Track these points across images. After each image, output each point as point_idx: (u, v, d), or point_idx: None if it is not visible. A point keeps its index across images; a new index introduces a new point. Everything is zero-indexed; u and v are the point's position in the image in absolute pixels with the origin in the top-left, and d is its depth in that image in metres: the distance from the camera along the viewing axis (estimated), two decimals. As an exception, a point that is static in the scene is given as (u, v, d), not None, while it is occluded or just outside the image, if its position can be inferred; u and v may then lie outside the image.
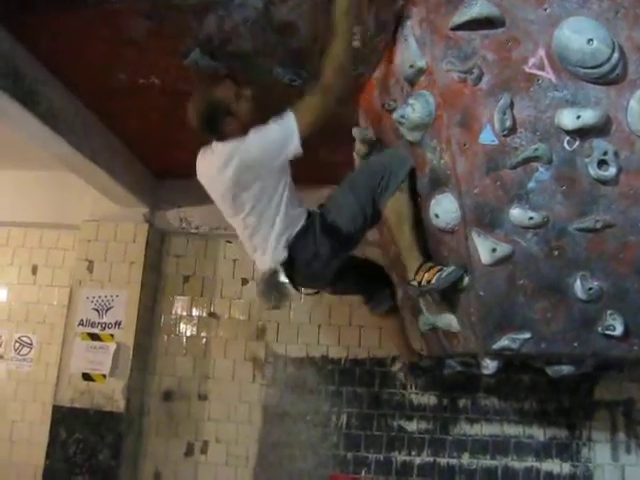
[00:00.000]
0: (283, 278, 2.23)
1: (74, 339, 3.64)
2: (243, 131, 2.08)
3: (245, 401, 3.70)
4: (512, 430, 3.56)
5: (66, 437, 3.47)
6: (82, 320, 3.63)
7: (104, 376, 3.54)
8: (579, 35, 1.86)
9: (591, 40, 1.85)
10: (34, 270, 4.00)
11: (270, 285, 2.24)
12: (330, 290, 2.73)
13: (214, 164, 2.14)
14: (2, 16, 2.11)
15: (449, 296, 2.33)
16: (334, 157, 3.13)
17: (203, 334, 3.83)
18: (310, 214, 2.27)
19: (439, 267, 2.18)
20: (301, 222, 2.22)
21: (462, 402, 3.58)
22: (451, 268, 2.15)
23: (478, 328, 2.23)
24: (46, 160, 3.16)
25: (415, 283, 2.22)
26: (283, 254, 2.20)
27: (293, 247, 2.21)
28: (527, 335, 2.21)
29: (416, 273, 2.21)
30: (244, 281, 3.87)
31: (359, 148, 2.67)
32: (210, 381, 3.76)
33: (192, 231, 3.81)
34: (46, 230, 4.00)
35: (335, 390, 3.67)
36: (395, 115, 2.13)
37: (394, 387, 3.63)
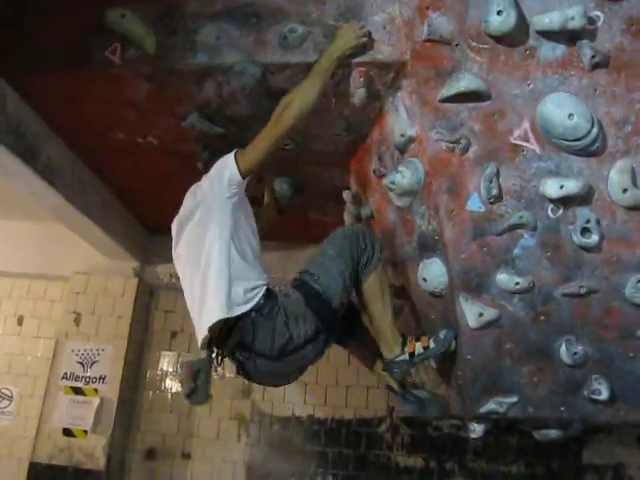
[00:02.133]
0: (206, 372, 1.93)
1: (57, 393, 3.57)
2: None
3: (229, 461, 3.63)
4: (500, 494, 3.51)
5: (41, 497, 3.35)
6: (66, 373, 3.58)
7: (85, 432, 3.46)
8: (560, 110, 1.97)
9: (572, 115, 1.95)
10: (20, 321, 3.97)
11: (192, 375, 1.91)
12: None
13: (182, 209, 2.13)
14: (10, 74, 2.19)
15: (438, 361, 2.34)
16: (324, 218, 3.18)
17: (189, 390, 3.75)
18: (272, 291, 1.96)
19: (427, 335, 2.16)
20: (257, 293, 1.90)
21: (449, 465, 3.53)
22: (444, 330, 2.14)
23: (465, 392, 2.24)
24: (37, 211, 3.19)
25: (405, 356, 2.09)
26: (232, 313, 1.84)
27: (249, 328, 1.86)
28: (514, 399, 2.22)
29: (403, 346, 2.10)
30: (232, 336, 3.80)
31: (350, 211, 2.73)
32: (194, 439, 3.70)
33: (181, 287, 3.79)
34: (34, 281, 3.99)
35: (321, 451, 3.62)
36: (385, 181, 2.20)
37: (380, 448, 3.60)
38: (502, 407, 2.21)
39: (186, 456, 3.65)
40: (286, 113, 1.91)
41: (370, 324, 2.21)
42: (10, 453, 3.70)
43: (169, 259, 3.69)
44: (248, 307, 1.87)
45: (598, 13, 1.97)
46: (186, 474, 3.64)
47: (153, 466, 3.67)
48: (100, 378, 3.55)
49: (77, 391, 3.56)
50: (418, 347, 2.10)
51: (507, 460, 3.52)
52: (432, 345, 2.10)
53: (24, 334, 3.94)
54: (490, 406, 2.21)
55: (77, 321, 3.66)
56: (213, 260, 1.91)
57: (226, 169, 1.96)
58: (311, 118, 2.23)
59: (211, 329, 1.90)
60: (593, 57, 1.97)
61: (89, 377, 3.57)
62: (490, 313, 2.11)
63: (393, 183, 2.16)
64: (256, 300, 1.89)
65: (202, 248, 1.94)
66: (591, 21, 1.97)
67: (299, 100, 1.92)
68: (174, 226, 2.16)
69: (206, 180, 2.04)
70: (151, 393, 3.79)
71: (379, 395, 3.63)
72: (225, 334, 1.89)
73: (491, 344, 2.16)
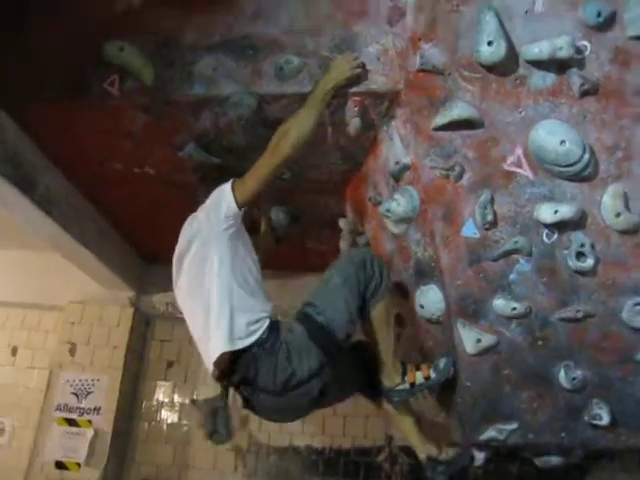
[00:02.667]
0: (231, 403, 1.88)
1: (50, 424, 3.53)
2: None
3: (226, 493, 3.56)
4: (501, 524, 3.45)
5: (33, 534, 3.28)
6: (60, 404, 3.54)
7: (79, 465, 3.40)
8: (553, 137, 2.00)
9: (564, 141, 1.99)
10: (14, 351, 3.92)
11: (211, 414, 1.85)
12: None
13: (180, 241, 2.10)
14: (8, 104, 2.21)
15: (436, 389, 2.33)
16: (320, 246, 3.19)
17: (185, 422, 3.74)
18: (276, 324, 1.91)
19: (426, 363, 2.15)
20: (261, 325, 1.86)
21: (450, 494, 3.47)
22: (443, 359, 2.13)
23: (465, 419, 2.23)
24: (32, 240, 3.20)
25: (406, 385, 2.09)
26: (234, 347, 1.81)
27: (251, 362, 1.83)
28: (514, 426, 2.21)
29: (404, 375, 2.10)
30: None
31: (346, 239, 2.74)
32: (190, 470, 3.63)
33: (178, 315, 3.77)
34: (29, 310, 3.96)
35: (319, 481, 3.56)
36: (381, 209, 2.22)
37: (379, 478, 3.55)
38: (502, 434, 2.19)
39: (182, 488, 3.59)
40: (283, 142, 1.92)
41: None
42: (3, 487, 3.64)
43: (165, 288, 3.76)
44: (251, 340, 1.83)
45: (585, 43, 2.02)
46: (182, 506, 3.57)
47: (148, 498, 3.60)
48: (95, 409, 3.50)
49: (71, 422, 3.52)
50: (419, 377, 2.09)
51: (508, 489, 3.48)
52: (433, 375, 2.09)
53: (18, 365, 3.90)
54: (490, 433, 2.20)
55: (72, 351, 3.62)
56: (214, 294, 1.88)
57: (223, 200, 1.94)
58: (307, 148, 2.26)
59: (216, 363, 1.86)
60: (582, 85, 2.01)
61: (83, 408, 3.52)
62: (488, 339, 2.11)
63: (389, 211, 2.17)
64: (259, 333, 1.85)
65: (202, 281, 1.92)
66: (579, 51, 2.01)
67: (295, 129, 1.93)
68: (174, 259, 2.12)
69: (202, 211, 2.02)
70: (146, 424, 3.75)
71: (378, 424, 3.59)
72: (230, 368, 1.86)
73: (489, 370, 2.16)
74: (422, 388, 2.10)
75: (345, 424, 3.65)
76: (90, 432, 3.46)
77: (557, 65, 2.03)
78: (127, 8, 2.27)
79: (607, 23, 2.00)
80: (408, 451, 3.50)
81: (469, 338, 2.11)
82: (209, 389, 1.97)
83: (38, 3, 2.23)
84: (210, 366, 1.89)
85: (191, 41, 2.23)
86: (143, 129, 2.30)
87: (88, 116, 2.26)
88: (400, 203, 2.14)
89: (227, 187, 1.95)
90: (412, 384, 2.08)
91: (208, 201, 2.00)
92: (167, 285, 3.64)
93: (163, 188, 2.73)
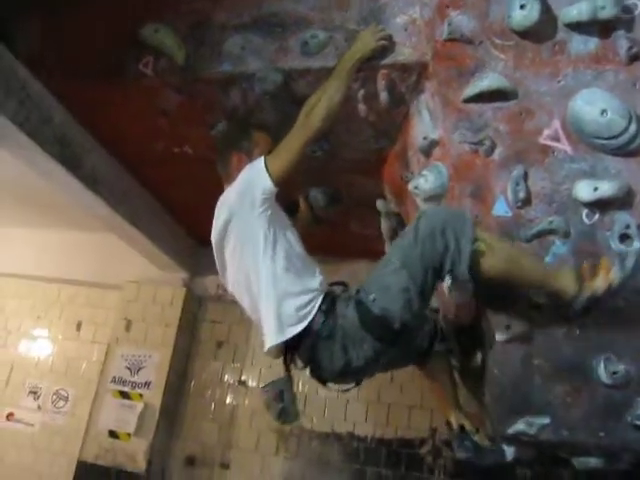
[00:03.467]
0: (290, 389, 1.87)
1: (105, 395, 3.73)
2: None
3: (267, 473, 3.61)
4: (550, 529, 3.23)
5: (86, 495, 3.50)
6: (115, 377, 3.74)
7: (129, 435, 3.57)
8: (592, 106, 1.85)
9: (605, 111, 1.83)
10: (78, 326, 4.18)
11: (277, 396, 1.85)
12: None
13: (215, 223, 1.99)
14: (56, 87, 2.36)
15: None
16: (365, 230, 3.13)
17: (231, 401, 3.82)
18: (333, 306, 1.79)
19: (607, 264, 1.72)
20: (312, 307, 1.78)
21: (494, 494, 3.30)
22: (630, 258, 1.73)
23: (492, 410, 2.09)
24: (94, 222, 3.38)
25: (584, 298, 1.70)
26: (283, 337, 1.76)
27: (310, 348, 1.78)
28: (546, 420, 2.02)
29: (581, 281, 1.70)
30: (276, 350, 3.82)
31: (385, 221, 2.68)
32: (234, 450, 3.71)
33: (228, 297, 3.84)
34: (93, 289, 4.20)
35: (359, 469, 3.51)
36: (409, 186, 2.14)
37: (421, 471, 3.44)
38: (532, 428, 2.02)
39: (225, 466, 3.67)
40: (312, 115, 1.87)
41: None
42: (64, 450, 3.87)
43: (217, 271, 3.85)
44: (303, 325, 1.77)
45: (635, 1, 1.85)
46: (224, 483, 3.68)
47: (192, 473, 3.71)
48: (145, 384, 3.67)
49: (124, 395, 3.70)
50: (599, 284, 1.68)
51: (558, 493, 3.25)
52: (617, 279, 1.68)
53: (82, 339, 4.15)
54: (519, 426, 2.03)
55: (127, 327, 3.82)
56: (258, 282, 1.82)
57: (257, 178, 1.84)
58: (338, 124, 2.26)
59: (270, 352, 1.85)
60: (630, 48, 1.85)
61: (135, 382, 3.68)
62: (519, 325, 1.97)
63: (417, 188, 2.09)
64: (311, 315, 1.77)
65: (246, 270, 1.86)
66: (627, 10, 1.85)
67: (324, 102, 1.88)
68: (214, 247, 2.02)
69: (234, 192, 1.91)
70: (194, 401, 3.86)
71: (422, 415, 3.50)
72: (290, 352, 1.84)
73: (520, 360, 2.00)
74: (606, 297, 1.70)
75: (389, 413, 3.58)
76: (140, 405, 3.62)
77: (600, 27, 1.88)
78: (161, -10, 2.36)
79: (659, -22, 1.83)
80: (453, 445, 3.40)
81: (499, 324, 1.98)
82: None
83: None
84: (266, 350, 1.85)
85: (222, 21, 2.27)
86: (177, 108, 2.37)
87: (125, 96, 2.36)
88: (428, 179, 2.04)
89: (260, 164, 1.86)
90: (592, 295, 1.69)
91: (239, 181, 1.91)
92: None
93: (205, 168, 2.77)
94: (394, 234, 2.66)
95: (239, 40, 2.20)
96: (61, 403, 4.02)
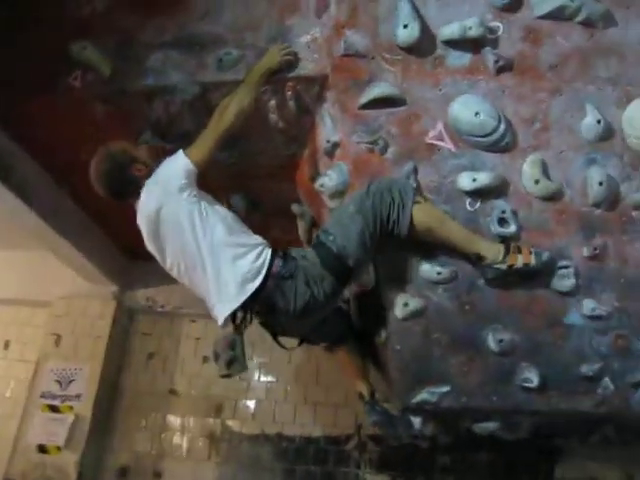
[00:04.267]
0: (241, 342, 2.05)
1: (34, 411, 3.69)
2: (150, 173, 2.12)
3: (199, 479, 3.66)
4: (469, 512, 3.46)
5: (12, 514, 3.43)
6: (44, 392, 3.71)
7: (59, 448, 3.55)
8: (468, 110, 2.16)
9: (478, 113, 2.14)
10: (6, 345, 4.14)
11: (228, 345, 2.04)
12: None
13: (142, 216, 2.12)
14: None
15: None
16: (285, 236, 3.32)
17: (162, 411, 3.87)
18: (288, 254, 2.04)
19: (529, 248, 2.09)
20: (264, 259, 1.98)
21: (417, 482, 3.51)
22: (547, 252, 2.10)
23: (397, 382, 2.32)
24: (21, 240, 3.43)
25: (504, 266, 2.06)
26: (237, 297, 1.96)
27: (274, 290, 1.98)
28: (446, 389, 2.28)
29: (505, 256, 2.06)
30: (205, 359, 3.94)
31: (300, 224, 2.90)
32: (166, 459, 3.75)
33: (158, 309, 3.99)
34: (21, 307, 4.18)
35: (289, 468, 3.64)
36: (316, 185, 2.38)
37: (348, 466, 3.60)
38: (434, 396, 2.27)
39: (157, 475, 3.70)
40: (225, 113, 2.09)
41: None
42: (-13, 473, 3.80)
43: (147, 284, 3.98)
44: (262, 276, 1.96)
45: (498, 23, 2.20)
46: (156, 493, 3.69)
47: (125, 485, 3.73)
48: (76, 396, 3.66)
49: (53, 409, 3.68)
50: (519, 260, 2.06)
51: (476, 478, 3.47)
52: (533, 262, 2.06)
53: (9, 358, 4.10)
54: (422, 395, 2.28)
55: (57, 342, 3.81)
56: (203, 258, 1.98)
57: (177, 164, 2.03)
58: (252, 133, 2.50)
59: (227, 320, 2.02)
60: (497, 62, 2.18)
61: (66, 395, 3.67)
62: (415, 303, 2.21)
63: (322, 186, 2.33)
64: (266, 265, 1.98)
65: (189, 251, 2.00)
66: (492, 31, 2.20)
67: (235, 103, 2.11)
68: (147, 240, 2.17)
69: (156, 185, 2.07)
70: (126, 412, 3.88)
71: (347, 413, 3.67)
72: (243, 309, 2.02)
73: (419, 334, 2.25)
74: (518, 271, 2.07)
75: (316, 413, 3.73)
76: (71, 417, 3.61)
77: (472, 45, 2.20)
78: (91, 11, 2.55)
79: (515, 4, 2.19)
80: (376, 439, 3.60)
81: (397, 302, 2.22)
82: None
83: (10, 9, 2.51)
84: (223, 315, 2.01)
85: (147, 39, 2.47)
86: (104, 118, 2.53)
87: (55, 108, 2.50)
88: (332, 178, 2.29)
89: (180, 154, 2.06)
90: (510, 266, 2.06)
91: (160, 173, 2.07)
92: (149, 280, 3.95)
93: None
94: (310, 235, 2.88)
95: (161, 56, 2.41)
96: (-15, 424, 3.94)
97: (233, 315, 2.05)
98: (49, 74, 2.47)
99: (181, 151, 2.07)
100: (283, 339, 2.29)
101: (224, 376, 2.10)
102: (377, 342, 2.37)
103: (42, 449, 3.59)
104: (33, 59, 2.49)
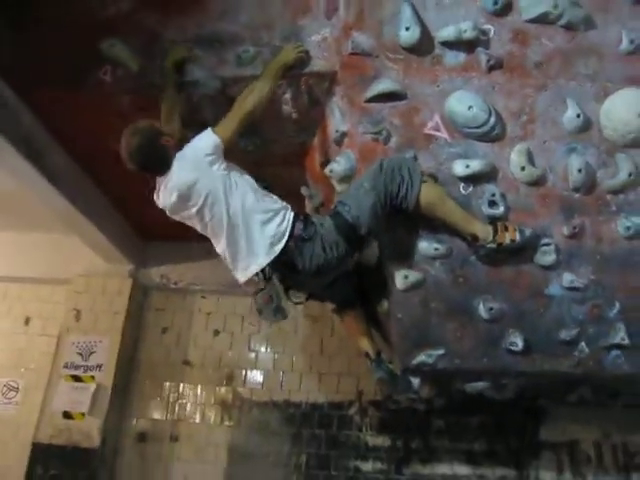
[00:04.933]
0: (280, 292, 2.28)
1: (58, 380, 3.96)
2: (180, 147, 2.31)
3: (213, 442, 3.96)
4: (463, 470, 3.78)
5: (42, 473, 3.72)
6: (67, 363, 3.99)
7: (83, 414, 3.82)
8: (461, 103, 2.41)
9: (471, 107, 2.39)
10: (27, 321, 4.40)
11: (269, 299, 2.27)
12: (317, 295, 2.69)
13: (167, 189, 2.31)
14: (24, 92, 2.70)
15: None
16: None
17: (177, 380, 4.16)
18: (309, 218, 2.30)
19: (514, 226, 2.33)
20: (287, 223, 2.23)
21: (415, 443, 3.82)
22: (530, 229, 2.35)
23: (398, 346, 2.59)
24: (45, 222, 3.65)
25: (493, 245, 2.30)
26: (266, 256, 2.22)
27: (294, 251, 2.23)
28: (441, 351, 2.55)
29: (495, 235, 2.30)
30: (216, 332, 4.25)
31: (308, 203, 3.16)
32: (181, 423, 4.04)
33: (171, 286, 4.25)
34: (41, 285, 4.43)
35: (296, 432, 3.94)
36: (326, 170, 2.63)
37: (350, 429, 3.90)
38: (431, 358, 2.54)
39: (174, 439, 4.00)
40: (247, 101, 2.33)
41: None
42: (16, 438, 4.05)
43: (161, 262, 4.23)
44: (286, 238, 2.23)
45: (489, 26, 2.45)
46: (173, 455, 3.98)
47: (144, 448, 4.00)
48: (97, 366, 3.94)
49: (76, 378, 3.95)
50: (507, 238, 2.30)
51: (469, 438, 3.79)
52: (518, 238, 2.31)
53: (30, 333, 4.37)
54: (421, 358, 2.54)
55: (77, 317, 4.09)
56: (235, 223, 2.23)
57: (209, 141, 2.24)
58: (267, 124, 2.74)
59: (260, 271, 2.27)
60: (488, 61, 2.43)
61: (87, 365, 3.95)
62: (414, 275, 2.47)
63: (331, 171, 2.57)
64: (289, 230, 2.24)
65: (221, 217, 2.23)
66: (484, 33, 2.44)
67: (256, 92, 2.35)
68: (173, 209, 2.36)
69: (188, 160, 2.25)
70: (143, 382, 4.16)
71: (349, 381, 3.98)
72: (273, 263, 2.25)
73: (418, 304, 2.51)
74: (507, 248, 2.32)
75: (320, 381, 4.03)
76: (93, 386, 3.89)
77: (466, 45, 2.44)
78: (117, 11, 2.77)
79: (504, 10, 2.43)
80: (377, 405, 3.90)
81: (398, 275, 2.48)
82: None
83: (45, 7, 2.73)
84: (251, 273, 2.26)
85: (170, 37, 2.70)
86: (131, 110, 2.76)
87: (86, 99, 2.73)
88: (340, 164, 2.53)
89: (207, 130, 2.28)
90: (499, 244, 2.31)
91: (191, 148, 2.27)
92: (163, 259, 4.21)
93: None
94: (316, 213, 3.13)
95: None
96: (12, 394, 4.21)
97: (262, 272, 2.28)
98: (80, 69, 2.69)
99: (209, 128, 2.29)
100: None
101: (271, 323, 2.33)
102: (380, 311, 2.64)
103: (67, 415, 3.86)
104: (65, 56, 2.70)
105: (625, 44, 2.44)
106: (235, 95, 2.59)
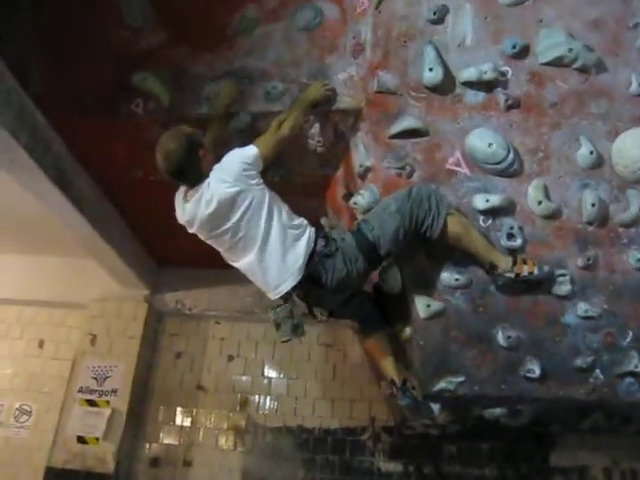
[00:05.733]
0: (298, 308, 2.31)
1: (73, 405, 3.98)
2: (215, 161, 2.33)
3: (226, 467, 3.97)
4: (475, 496, 3.82)
5: (56, 498, 3.70)
6: (81, 387, 4.01)
7: (97, 439, 3.84)
8: (482, 141, 2.53)
9: (491, 144, 2.51)
10: (41, 344, 4.43)
11: (289, 314, 2.28)
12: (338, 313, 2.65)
13: (202, 201, 2.28)
14: (57, 121, 2.78)
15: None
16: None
17: (191, 405, 4.18)
18: (328, 235, 2.36)
19: (533, 260, 2.43)
20: (311, 241, 2.28)
21: (427, 469, 3.86)
22: (548, 265, 2.45)
23: (420, 373, 2.66)
24: (60, 246, 3.71)
25: (512, 275, 2.38)
26: (298, 274, 2.25)
27: (317, 266, 2.27)
28: (461, 378, 2.62)
29: (513, 265, 2.37)
30: (230, 358, 4.29)
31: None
32: (195, 448, 4.05)
33: (186, 312, 4.30)
34: (55, 309, 4.47)
35: (309, 457, 3.97)
36: (350, 202, 2.73)
37: (363, 455, 3.94)
38: (452, 385, 2.61)
39: (187, 464, 4.00)
40: (283, 126, 2.42)
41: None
42: (29, 462, 4.05)
43: (175, 288, 4.29)
44: (307, 256, 2.27)
45: (507, 68, 2.58)
46: (187, 480, 4.00)
47: (157, 473, 4.01)
48: (112, 391, 3.96)
49: (91, 403, 3.97)
50: (525, 270, 2.39)
51: (480, 464, 3.84)
52: (536, 272, 2.39)
53: (44, 356, 4.39)
54: (442, 384, 2.61)
55: (93, 341, 4.12)
56: (269, 239, 2.26)
57: (251, 155, 2.27)
58: (291, 157, 2.85)
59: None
60: (507, 100, 2.56)
61: (102, 390, 3.98)
62: (436, 305, 2.56)
63: (356, 204, 2.67)
64: (312, 246, 2.29)
65: (255, 233, 2.26)
66: (502, 74, 2.58)
67: (291, 119, 2.45)
68: (203, 225, 2.34)
69: (227, 173, 2.25)
70: (157, 406, 4.19)
71: (362, 407, 4.03)
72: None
73: (439, 332, 2.59)
74: (524, 279, 2.40)
75: (333, 406, 4.07)
76: (108, 411, 3.90)
77: (486, 85, 2.57)
78: (149, 46, 2.89)
79: (522, 53, 2.57)
80: (389, 430, 3.95)
81: (421, 304, 2.57)
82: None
83: (78, 39, 2.84)
84: (281, 291, 2.30)
85: (200, 72, 2.82)
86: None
87: (117, 130, 2.83)
88: (364, 197, 2.64)
89: (250, 146, 2.32)
90: (517, 274, 2.38)
91: (232, 162, 2.28)
92: (177, 285, 4.27)
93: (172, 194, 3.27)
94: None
95: (214, 88, 2.76)
96: (24, 418, 4.21)
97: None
98: (112, 101, 2.80)
99: (252, 145, 2.33)
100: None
101: (286, 341, 2.36)
102: (402, 337, 2.72)
103: (82, 440, 3.87)
104: (98, 87, 2.82)
105: (634, 86, 2.57)
106: (263, 129, 2.71)
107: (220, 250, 2.45)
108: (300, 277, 2.29)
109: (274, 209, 2.30)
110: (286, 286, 2.31)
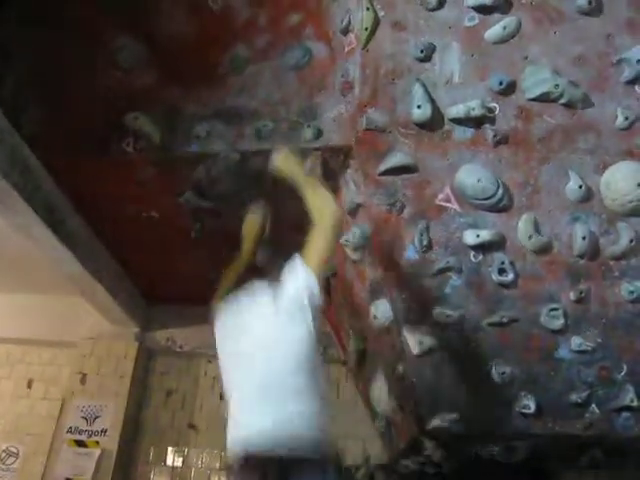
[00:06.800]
0: None
1: (61, 446, 3.89)
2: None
3: (218, 515, 3.87)
4: (471, 534, 3.70)
5: None
6: (70, 427, 3.93)
7: (86, 481, 3.73)
8: (471, 177, 2.53)
9: (480, 180, 2.52)
10: (29, 384, 4.34)
11: None
12: None
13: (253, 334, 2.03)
14: (47, 160, 2.78)
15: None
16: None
17: (182, 444, 4.10)
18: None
19: None
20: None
21: (423, 508, 3.76)
22: None
23: (414, 411, 2.63)
24: (48, 285, 3.68)
25: None
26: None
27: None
28: (455, 416, 2.60)
29: None
30: (222, 396, 4.12)
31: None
32: (187, 491, 3.95)
33: (177, 350, 4.25)
34: (44, 348, 4.40)
35: (303, 497, 3.84)
36: (341, 240, 2.72)
37: (359, 494, 3.82)
38: (446, 422, 2.58)
39: (178, 509, 3.91)
40: (325, 223, 2.13)
41: None
42: (15, 507, 3.94)
43: (165, 326, 4.24)
44: None
45: (495, 104, 2.61)
46: (177, 526, 3.88)
47: (148, 516, 3.90)
48: (102, 431, 3.88)
49: (80, 443, 3.89)
50: None
51: (476, 503, 3.75)
52: None
53: (33, 396, 4.30)
54: (436, 422, 2.59)
55: (83, 381, 4.05)
56: (297, 383, 1.90)
57: (307, 283, 1.93)
58: (282, 194, 2.85)
59: None
60: (495, 136, 2.57)
61: (92, 430, 3.90)
62: (429, 341, 2.55)
63: (347, 241, 2.68)
64: None
65: (278, 368, 1.91)
66: (490, 110, 2.60)
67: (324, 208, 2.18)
68: (224, 340, 2.20)
69: (283, 300, 1.97)
70: (148, 446, 4.10)
71: (356, 444, 3.96)
72: None
73: (432, 368, 2.58)
74: None
75: (327, 444, 3.97)
76: (97, 451, 3.82)
77: (474, 121, 2.58)
78: (141, 85, 2.90)
79: (509, 89, 2.59)
80: (384, 468, 3.85)
81: (413, 341, 2.56)
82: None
83: (70, 79, 2.86)
84: None
85: (191, 111, 2.82)
86: (151, 179, 2.87)
87: (108, 169, 2.83)
88: (355, 234, 2.65)
89: (302, 269, 1.97)
90: None
91: (289, 287, 1.97)
92: (167, 323, 4.23)
93: (165, 232, 3.27)
94: (327, 284, 3.20)
95: (205, 127, 2.76)
96: (10, 460, 4.10)
97: None
98: (104, 140, 2.80)
99: (304, 267, 1.99)
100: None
101: None
102: (395, 376, 2.69)
103: (70, 483, 3.77)
104: (89, 126, 2.82)
105: (620, 120, 2.60)
106: (254, 167, 2.73)
107: None
108: None
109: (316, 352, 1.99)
110: None
